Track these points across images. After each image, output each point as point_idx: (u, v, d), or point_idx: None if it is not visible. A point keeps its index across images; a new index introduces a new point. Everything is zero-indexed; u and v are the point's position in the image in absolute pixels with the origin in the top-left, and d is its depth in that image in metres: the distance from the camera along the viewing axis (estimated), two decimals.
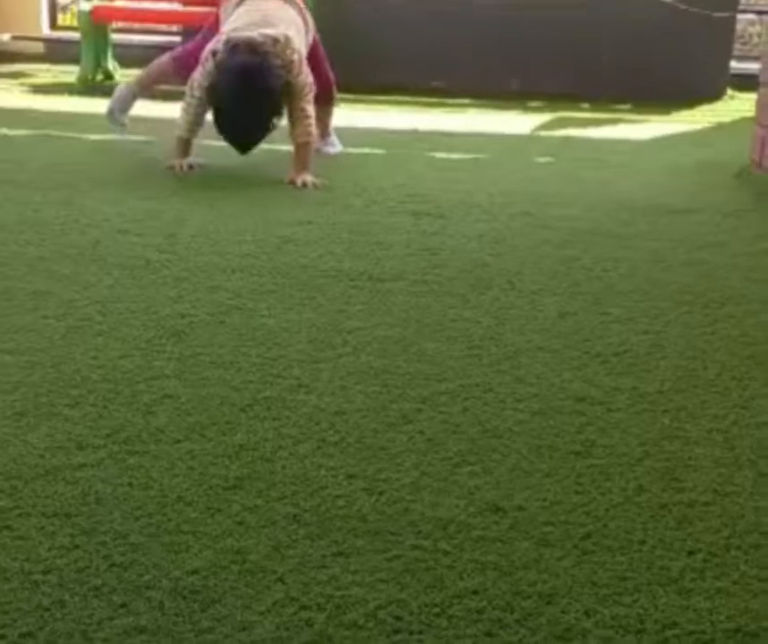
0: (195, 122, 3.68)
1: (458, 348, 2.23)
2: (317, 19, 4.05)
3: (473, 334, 2.31)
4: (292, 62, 3.55)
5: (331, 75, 4.06)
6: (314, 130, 3.70)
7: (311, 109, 3.64)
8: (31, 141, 4.27)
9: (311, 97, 3.64)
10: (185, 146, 3.74)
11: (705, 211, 3.38)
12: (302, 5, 3.89)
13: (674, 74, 5.60)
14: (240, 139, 3.56)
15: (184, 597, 1.39)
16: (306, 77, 3.61)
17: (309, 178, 3.59)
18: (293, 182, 3.57)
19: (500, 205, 3.40)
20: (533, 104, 5.47)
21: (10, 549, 1.48)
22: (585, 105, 5.49)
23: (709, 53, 5.71)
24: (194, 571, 1.44)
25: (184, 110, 3.67)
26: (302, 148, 3.65)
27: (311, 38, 3.89)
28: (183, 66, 3.91)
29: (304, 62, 3.64)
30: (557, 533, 1.56)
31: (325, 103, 4.00)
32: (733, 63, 5.84)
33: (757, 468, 1.77)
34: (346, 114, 4.82)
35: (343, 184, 3.64)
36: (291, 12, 3.79)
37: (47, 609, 1.36)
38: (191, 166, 3.70)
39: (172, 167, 3.68)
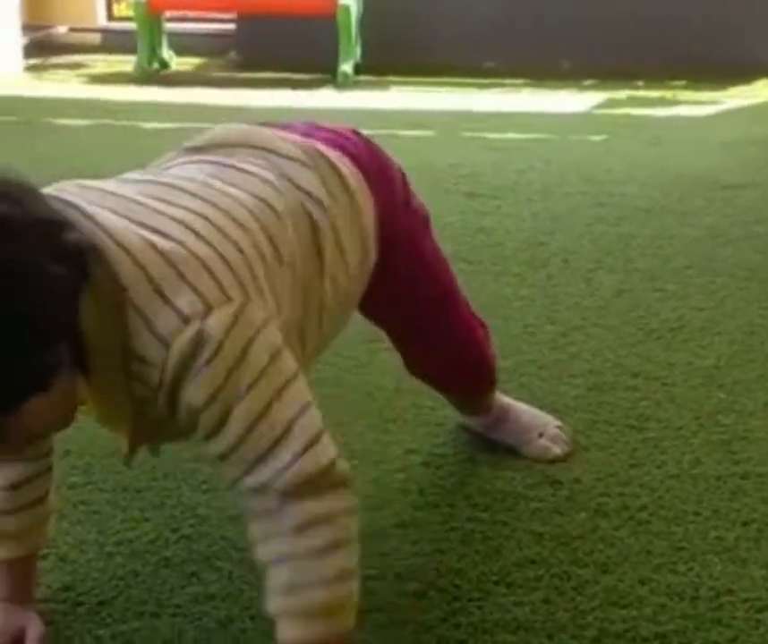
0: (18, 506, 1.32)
1: (514, 326, 2.26)
2: None
3: (528, 313, 2.34)
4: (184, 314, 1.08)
5: (476, 319, 1.70)
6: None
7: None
8: (92, 130, 4.35)
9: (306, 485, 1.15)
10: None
11: (762, 186, 3.36)
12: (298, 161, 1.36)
13: (730, 48, 5.54)
14: None
15: (252, 568, 1.44)
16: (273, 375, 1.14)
17: None
18: None
19: (555, 184, 3.41)
20: (587, 82, 5.45)
21: (85, 523, 1.55)
22: (640, 83, 5.46)
23: (766, 25, 5.64)
24: None
25: None
26: None
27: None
28: None
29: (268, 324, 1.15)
30: (612, 504, 1.59)
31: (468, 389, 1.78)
32: None
33: None
34: (395, 97, 4.84)
35: None
36: (248, 181, 1.28)
37: (122, 578, 1.42)
38: None
39: None
